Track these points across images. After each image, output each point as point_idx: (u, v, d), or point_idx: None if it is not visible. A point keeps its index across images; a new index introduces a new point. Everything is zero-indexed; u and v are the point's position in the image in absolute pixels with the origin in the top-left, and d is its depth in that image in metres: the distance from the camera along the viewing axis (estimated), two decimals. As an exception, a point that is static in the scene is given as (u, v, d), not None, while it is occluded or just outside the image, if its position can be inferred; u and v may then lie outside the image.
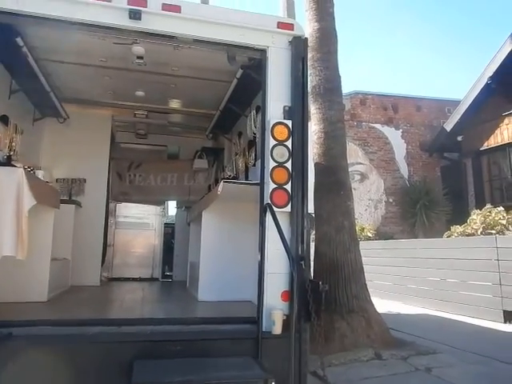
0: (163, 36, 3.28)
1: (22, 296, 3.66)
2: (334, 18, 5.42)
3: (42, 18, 3.03)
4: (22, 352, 2.60)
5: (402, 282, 8.06)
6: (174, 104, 5.70)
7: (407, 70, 42.97)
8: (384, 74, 40.83)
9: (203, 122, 6.20)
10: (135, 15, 3.05)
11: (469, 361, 4.17)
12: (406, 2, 34.01)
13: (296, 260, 2.95)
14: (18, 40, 3.62)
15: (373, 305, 4.81)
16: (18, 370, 2.56)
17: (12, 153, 3.69)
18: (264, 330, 2.99)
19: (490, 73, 9.96)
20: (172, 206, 7.88)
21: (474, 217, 7.18)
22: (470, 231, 7.05)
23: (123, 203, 6.69)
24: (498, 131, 10.52)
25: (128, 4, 3.05)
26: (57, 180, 5.63)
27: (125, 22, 3.09)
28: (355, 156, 11.98)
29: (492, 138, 10.67)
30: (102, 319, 3.28)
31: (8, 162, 3.43)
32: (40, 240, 3.78)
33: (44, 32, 3.49)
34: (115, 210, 6.51)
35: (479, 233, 6.82)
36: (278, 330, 2.97)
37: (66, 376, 2.62)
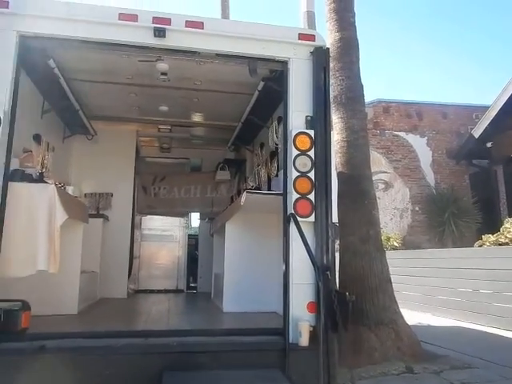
0: (186, 52, 3.38)
1: (53, 309, 3.74)
2: (355, 28, 5.41)
3: (71, 40, 3.17)
4: (54, 364, 2.66)
5: (432, 293, 7.80)
6: (197, 117, 5.81)
7: (434, 76, 42.25)
8: (408, 79, 40.30)
9: (225, 134, 6.28)
10: (160, 33, 3.15)
11: (507, 376, 3.97)
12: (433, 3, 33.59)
13: (322, 270, 2.92)
14: (51, 62, 3.80)
15: (402, 316, 4.67)
16: (50, 381, 2.61)
17: (44, 170, 3.83)
18: (291, 341, 2.96)
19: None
20: (195, 218, 7.95)
21: (507, 225, 6.92)
22: (503, 240, 6.78)
23: (148, 216, 6.82)
24: (529, 137, 10.16)
25: (153, 23, 3.16)
26: (85, 195, 5.81)
27: (150, 40, 3.20)
28: (379, 164, 11.80)
29: (524, 143, 10.31)
30: (130, 331, 3.33)
31: (40, 178, 3.56)
32: (70, 254, 3.88)
33: (74, 53, 3.64)
34: (140, 223, 6.64)
35: (513, 242, 6.55)
36: (304, 341, 2.93)
37: (96, 387, 2.67)
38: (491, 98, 10.77)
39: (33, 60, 3.48)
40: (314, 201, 3.15)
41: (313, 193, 3.16)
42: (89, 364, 2.72)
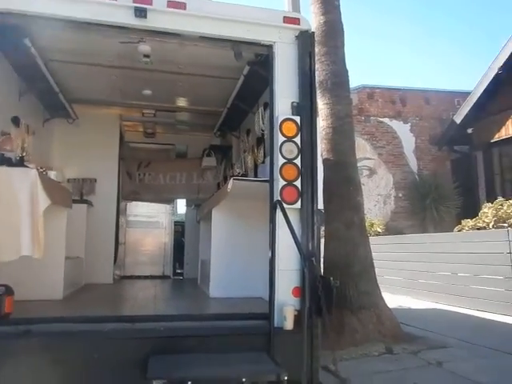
0: (169, 34, 3.29)
1: (38, 294, 3.71)
2: (340, 11, 5.37)
3: (48, 18, 3.05)
4: (39, 348, 2.66)
5: (413, 277, 8.02)
6: (182, 102, 5.72)
7: (416, 61, 42.46)
8: (392, 66, 40.39)
9: (211, 120, 6.22)
10: (141, 13, 3.06)
11: (481, 355, 4.15)
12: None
13: (307, 256, 2.96)
14: (26, 41, 3.66)
15: (383, 300, 4.80)
16: (35, 365, 2.61)
17: (24, 154, 3.73)
18: (276, 325, 3.01)
19: (501, 62, 9.77)
20: (181, 204, 7.92)
21: (485, 210, 7.10)
22: (481, 225, 6.97)
23: (133, 202, 6.76)
24: (509, 122, 10.35)
25: (134, 2, 3.07)
26: (68, 180, 5.70)
27: (131, 21, 3.10)
28: (363, 151, 11.90)
29: (503, 129, 10.51)
30: (117, 316, 3.32)
31: (21, 162, 3.47)
32: (54, 239, 3.84)
33: (51, 32, 3.51)
34: (126, 209, 6.58)
35: (491, 226, 6.75)
36: (289, 325, 2.98)
37: (83, 371, 2.68)
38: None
39: (7, 38, 3.35)
40: (300, 187, 3.17)
41: (299, 179, 3.17)
42: (75, 348, 2.72)
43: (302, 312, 2.91)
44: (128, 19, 3.10)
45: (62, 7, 3.02)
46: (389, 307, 4.80)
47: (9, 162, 3.29)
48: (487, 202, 8.06)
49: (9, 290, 2.86)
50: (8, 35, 3.27)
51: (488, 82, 10.25)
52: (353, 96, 10.03)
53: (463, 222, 7.55)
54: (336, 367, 2.96)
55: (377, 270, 4.95)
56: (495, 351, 4.23)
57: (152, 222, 6.70)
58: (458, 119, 11.37)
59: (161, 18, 3.16)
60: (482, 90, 10.47)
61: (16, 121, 4.12)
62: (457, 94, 12.74)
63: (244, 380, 2.46)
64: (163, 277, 6.45)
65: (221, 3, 3.41)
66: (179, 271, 6.75)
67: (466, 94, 11.46)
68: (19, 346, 2.64)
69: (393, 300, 6.17)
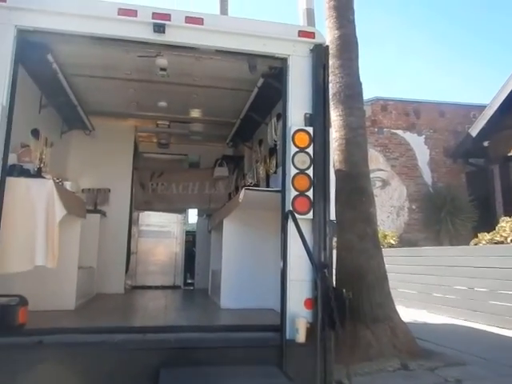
0: (186, 48, 3.37)
1: (50, 304, 3.74)
2: (354, 25, 5.41)
3: (71, 34, 3.16)
4: (51, 359, 2.67)
5: (428, 291, 7.85)
6: (196, 113, 5.80)
7: (431, 74, 42.28)
8: (407, 78, 40.28)
9: (224, 131, 6.28)
10: (159, 29, 3.15)
11: (501, 373, 4.01)
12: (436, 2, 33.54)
13: (319, 267, 2.94)
14: (49, 57, 3.79)
15: (398, 313, 4.70)
16: (47, 376, 2.62)
17: (42, 165, 3.81)
18: (288, 337, 2.98)
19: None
20: (192, 214, 7.96)
21: (503, 224, 6.95)
22: (498, 239, 6.82)
23: (146, 212, 6.81)
24: (526, 136, 10.20)
25: (153, 18, 3.16)
26: (82, 190, 5.78)
27: (149, 36, 3.20)
28: (376, 162, 11.81)
29: (520, 143, 10.35)
30: (128, 327, 3.34)
31: (38, 173, 3.55)
32: (68, 249, 3.88)
33: (73, 48, 3.63)
34: (138, 219, 6.63)
35: (509, 240, 6.59)
36: (301, 338, 2.95)
37: (94, 382, 2.68)
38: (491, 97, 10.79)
39: (31, 55, 3.46)
40: (312, 198, 3.16)
41: (311, 190, 3.17)
42: (87, 359, 2.73)
43: (314, 324, 2.87)
44: (147, 34, 3.19)
45: (85, 24, 3.13)
46: (403, 321, 4.69)
47: (27, 173, 3.36)
48: (504, 215, 7.89)
49: (23, 301, 2.90)
50: (32, 51, 3.38)
51: (505, 96, 10.14)
52: (366, 108, 10.04)
53: (480, 235, 7.39)
54: (350, 382, 2.90)
55: (390, 282, 4.85)
56: (515, 369, 4.09)
57: (163, 232, 6.73)
58: (474, 132, 11.23)
59: (178, 33, 3.25)
60: (498, 104, 10.36)
61: (36, 133, 4.22)
62: (473, 108, 12.62)
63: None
64: (174, 287, 6.45)
65: (237, 18, 3.49)
66: (190, 281, 6.75)
67: (481, 108, 11.34)
68: (33, 357, 2.66)
69: (407, 314, 6.04)
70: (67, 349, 2.75)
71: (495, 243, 6.87)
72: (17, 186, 3.12)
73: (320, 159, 3.24)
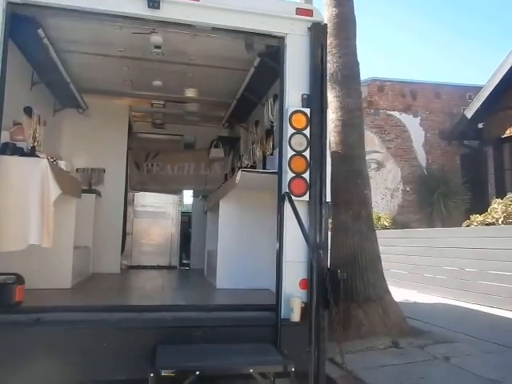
0: (181, 25, 3.28)
1: (47, 283, 3.77)
2: (352, 3, 5.30)
3: (61, 8, 3.06)
4: (48, 336, 2.71)
5: (419, 271, 8.01)
6: (191, 93, 5.70)
7: (428, 55, 41.82)
8: (404, 59, 39.85)
9: (219, 111, 6.21)
10: (154, 4, 3.05)
11: (488, 350, 4.14)
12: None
13: (315, 248, 2.96)
14: (40, 32, 3.67)
15: (390, 293, 4.80)
16: (44, 353, 2.66)
17: (36, 144, 3.76)
18: (283, 317, 3.03)
19: (514, 57, 9.62)
20: (188, 195, 7.95)
21: (495, 206, 7.05)
22: (490, 220, 6.93)
23: (141, 192, 6.79)
24: (520, 118, 10.21)
25: None
26: (77, 170, 5.74)
27: (144, 11, 3.10)
28: (372, 144, 11.80)
29: (515, 125, 10.37)
30: (125, 306, 3.37)
31: (32, 152, 3.50)
32: (63, 229, 3.87)
33: (64, 23, 3.52)
34: (133, 200, 6.61)
35: (500, 222, 6.70)
36: (296, 317, 3.00)
37: (91, 360, 2.72)
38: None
39: (21, 29, 3.35)
40: (308, 180, 3.16)
41: (308, 172, 3.17)
42: (84, 337, 2.76)
43: (308, 304, 2.92)
44: (141, 10, 3.09)
45: None
46: (395, 300, 4.80)
47: (21, 152, 3.31)
48: (496, 197, 7.98)
49: (20, 279, 2.91)
50: (21, 26, 3.27)
51: (501, 77, 10.10)
52: (362, 89, 9.91)
53: (472, 217, 7.50)
54: (343, 360, 2.98)
55: (383, 263, 4.94)
56: (502, 347, 4.23)
57: (159, 213, 6.73)
58: (469, 114, 11.22)
59: (174, 9, 3.15)
60: (494, 85, 10.33)
61: (28, 111, 4.14)
62: (468, 89, 12.55)
63: (251, 371, 2.48)
64: (170, 267, 6.50)
65: (234, -6, 3.37)
66: (186, 262, 6.80)
67: (477, 89, 11.29)
68: (30, 334, 2.69)
69: (399, 294, 6.16)
70: (65, 326, 2.77)
71: (487, 225, 6.98)
72: (10, 164, 3.08)
73: (317, 141, 3.22)
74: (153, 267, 6.35)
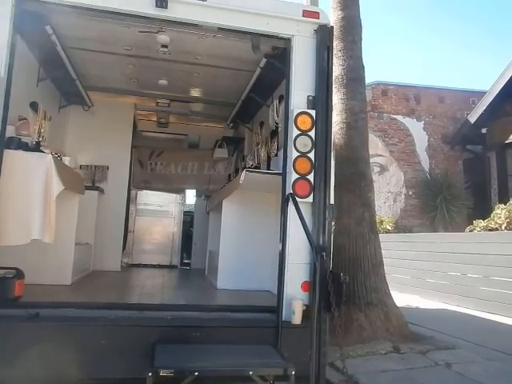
0: (189, 24, 3.28)
1: (47, 278, 3.78)
2: (358, 6, 5.30)
3: (70, 5, 3.07)
4: (47, 332, 2.70)
5: (421, 276, 7.97)
6: (196, 93, 5.71)
7: (432, 62, 41.79)
8: (408, 64, 39.83)
9: (224, 112, 6.20)
10: (162, 3, 3.06)
11: (490, 358, 4.10)
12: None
13: (318, 250, 2.95)
14: (48, 28, 3.68)
15: (392, 298, 4.77)
16: (42, 348, 2.64)
17: (41, 139, 3.76)
18: (284, 319, 3.02)
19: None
20: (190, 195, 7.95)
21: (498, 211, 7.00)
22: (493, 226, 6.88)
23: (144, 191, 6.79)
24: (524, 124, 10.18)
25: None
26: (81, 166, 5.75)
27: (151, 10, 3.11)
28: (375, 148, 11.78)
29: (518, 131, 10.34)
30: (125, 304, 3.37)
31: (37, 147, 3.50)
32: (65, 225, 3.88)
33: (72, 20, 3.52)
34: (136, 198, 6.62)
35: (503, 228, 6.66)
36: (297, 319, 2.99)
37: (89, 357, 2.71)
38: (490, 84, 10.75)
39: (29, 25, 3.36)
40: (312, 181, 3.15)
41: (312, 173, 3.16)
42: (83, 333, 2.76)
43: (310, 307, 2.91)
44: (149, 9, 3.10)
45: None
46: (397, 305, 4.77)
47: (25, 147, 3.32)
48: (499, 203, 7.95)
49: (20, 274, 2.89)
50: (30, 22, 3.28)
51: (504, 83, 10.07)
52: (367, 92, 9.87)
53: (475, 222, 7.46)
54: (343, 364, 2.95)
55: (385, 268, 4.91)
56: (505, 354, 4.19)
57: (161, 211, 6.73)
58: (473, 119, 11.20)
59: (181, 9, 3.15)
60: (497, 90, 10.31)
61: (34, 106, 4.15)
62: (472, 94, 12.52)
63: (251, 373, 2.46)
64: (170, 266, 6.49)
65: (241, -5, 3.36)
66: (186, 261, 6.79)
67: (481, 94, 11.27)
68: (28, 329, 2.69)
69: (401, 298, 6.13)
70: (64, 322, 2.77)
71: (490, 230, 6.94)
72: (15, 158, 3.08)
73: (322, 143, 3.21)
74: (153, 266, 6.35)
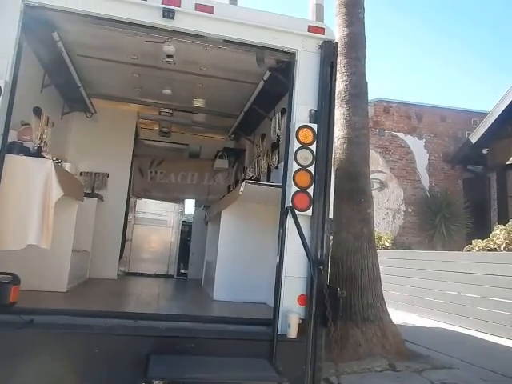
0: (194, 36, 3.33)
1: (42, 285, 3.73)
2: (363, 24, 5.38)
3: (77, 13, 3.11)
4: (41, 339, 2.67)
5: (419, 294, 7.91)
6: (199, 103, 5.75)
7: (434, 82, 42.31)
8: (410, 84, 40.28)
9: (226, 123, 6.24)
10: (169, 14, 3.10)
11: (486, 378, 4.06)
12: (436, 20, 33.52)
13: (316, 264, 2.93)
14: (54, 35, 3.72)
15: (388, 315, 4.73)
16: (36, 355, 2.62)
17: (42, 144, 3.77)
18: (279, 332, 2.98)
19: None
20: (189, 204, 7.93)
21: (497, 232, 7.01)
22: (492, 246, 6.88)
23: (143, 199, 6.77)
24: (525, 145, 10.24)
25: (162, 3, 3.11)
26: (81, 173, 5.74)
27: (158, 21, 3.15)
28: (376, 164, 11.84)
29: (519, 152, 10.40)
30: (120, 312, 3.32)
31: (38, 153, 3.51)
32: (63, 231, 3.85)
33: (79, 28, 3.57)
34: (135, 206, 6.59)
35: (502, 248, 6.65)
36: (293, 333, 2.96)
37: (83, 365, 2.68)
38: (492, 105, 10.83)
39: (36, 31, 3.41)
40: (312, 195, 3.15)
41: (312, 187, 3.16)
42: (77, 341, 2.73)
43: (306, 321, 2.88)
44: (156, 19, 3.15)
45: (92, 4, 3.08)
46: (393, 322, 4.73)
47: (27, 152, 3.33)
48: (499, 223, 7.95)
49: (15, 279, 2.86)
50: (37, 28, 3.33)
51: (506, 105, 10.17)
52: (369, 109, 9.97)
53: (474, 242, 7.45)
54: (339, 380, 2.91)
55: (383, 284, 4.88)
56: (500, 376, 4.15)
57: (160, 220, 6.70)
58: (474, 139, 11.28)
59: (188, 20, 3.20)
60: (499, 112, 10.41)
61: (38, 111, 4.16)
62: (474, 114, 12.65)
63: (245, 386, 2.43)
64: (167, 276, 6.44)
65: (247, 8, 3.44)
66: (183, 271, 6.73)
67: (483, 114, 11.37)
68: (23, 335, 2.65)
69: (397, 316, 6.08)
70: (58, 330, 2.74)
71: (488, 250, 6.93)
72: (16, 163, 3.08)
73: (323, 157, 3.22)
74: (150, 275, 6.29)
